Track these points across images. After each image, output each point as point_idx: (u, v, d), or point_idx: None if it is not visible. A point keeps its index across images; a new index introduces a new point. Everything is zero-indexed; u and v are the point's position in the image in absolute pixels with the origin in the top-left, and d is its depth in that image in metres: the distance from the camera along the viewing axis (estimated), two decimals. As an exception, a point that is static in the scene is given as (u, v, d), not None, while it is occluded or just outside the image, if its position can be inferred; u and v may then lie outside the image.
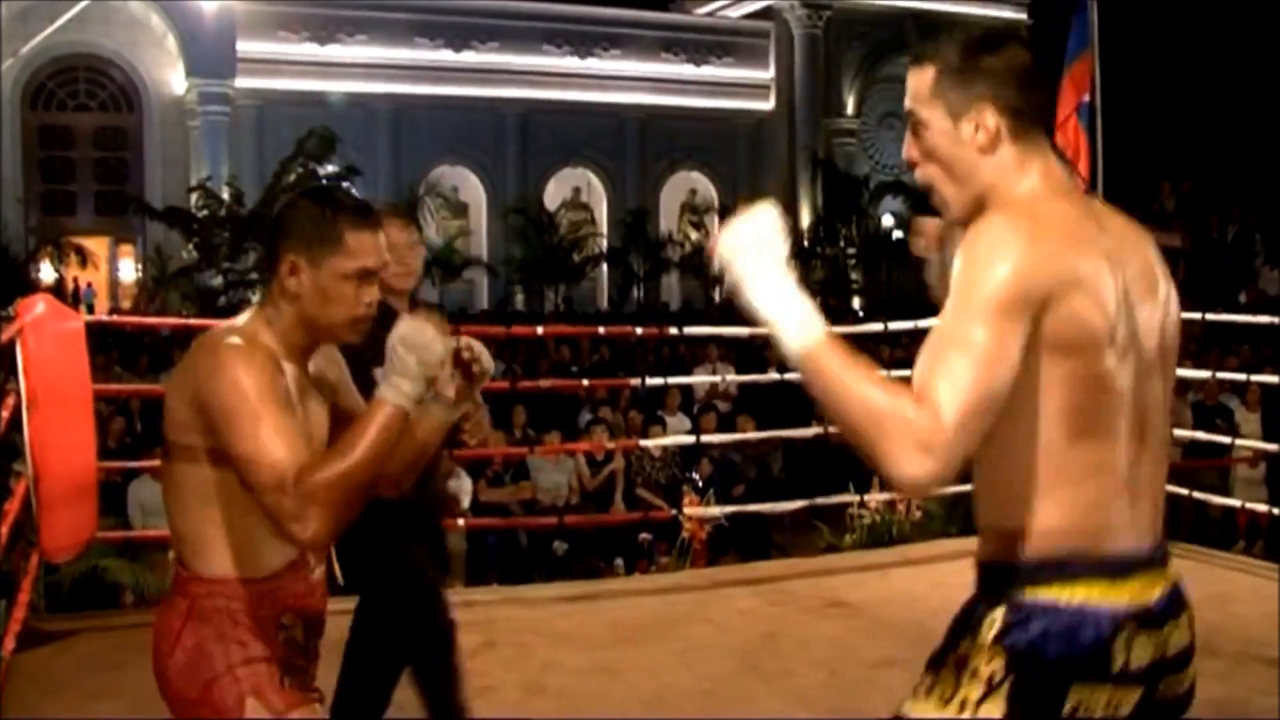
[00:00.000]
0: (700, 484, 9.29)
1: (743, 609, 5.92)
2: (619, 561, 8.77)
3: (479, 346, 2.48)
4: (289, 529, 2.19)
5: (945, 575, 6.15)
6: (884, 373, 1.86)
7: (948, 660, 1.98)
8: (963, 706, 1.93)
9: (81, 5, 27.21)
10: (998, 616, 1.92)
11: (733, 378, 11.31)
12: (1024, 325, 1.82)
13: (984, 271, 1.84)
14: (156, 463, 7.76)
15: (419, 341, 2.25)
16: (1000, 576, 1.96)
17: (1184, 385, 10.51)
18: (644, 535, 8.81)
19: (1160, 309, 1.99)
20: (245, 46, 32.63)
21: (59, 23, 22.71)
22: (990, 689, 1.91)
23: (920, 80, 2.05)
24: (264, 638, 2.39)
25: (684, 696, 4.75)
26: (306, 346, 2.44)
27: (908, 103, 2.08)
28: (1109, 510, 1.93)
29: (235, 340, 2.32)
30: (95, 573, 6.02)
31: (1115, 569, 1.92)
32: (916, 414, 1.76)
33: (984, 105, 1.99)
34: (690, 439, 8.72)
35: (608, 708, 4.60)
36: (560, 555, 8.94)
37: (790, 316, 1.93)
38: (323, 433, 2.48)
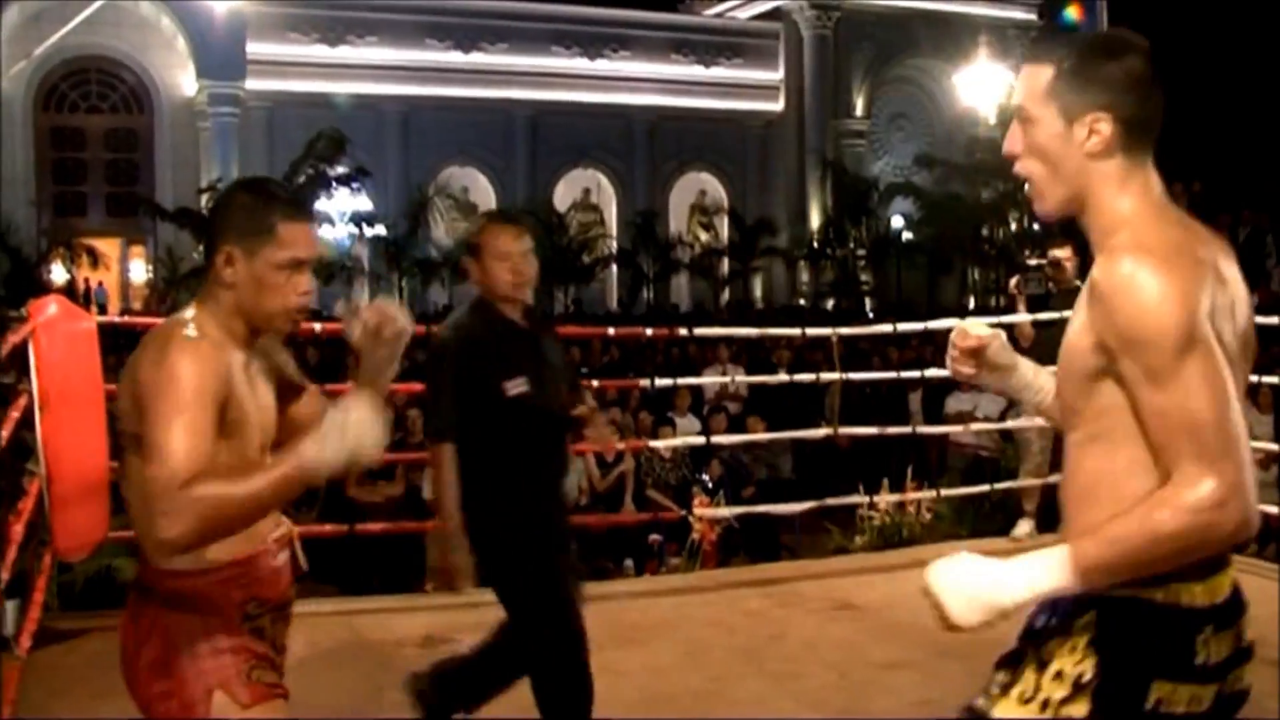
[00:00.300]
0: (710, 485, 9.27)
1: (752, 610, 5.91)
2: (629, 562, 8.76)
3: (389, 310, 2.50)
4: (156, 521, 2.19)
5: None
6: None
7: (1027, 659, 2.02)
8: (1045, 706, 1.97)
9: (93, 8, 27.27)
10: (1090, 619, 1.96)
11: (742, 379, 11.31)
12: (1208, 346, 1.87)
13: (1162, 320, 1.85)
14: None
15: (366, 431, 2.24)
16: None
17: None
18: (654, 536, 8.80)
19: (1246, 317, 2.02)
20: (255, 48, 32.70)
21: (70, 25, 22.76)
22: (1076, 690, 1.95)
23: (1035, 78, 2.05)
24: (229, 628, 2.43)
25: (693, 697, 4.75)
26: (246, 337, 2.48)
27: (1018, 98, 2.09)
28: None
29: (185, 333, 2.36)
30: (107, 572, 6.02)
31: (1199, 568, 1.95)
32: (1198, 481, 1.82)
33: (1100, 112, 1.99)
34: (700, 440, 8.71)
35: (616, 708, 4.60)
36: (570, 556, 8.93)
37: (1043, 579, 1.92)
38: (271, 416, 2.53)
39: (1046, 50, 2.07)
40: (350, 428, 2.24)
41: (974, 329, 2.36)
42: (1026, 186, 2.13)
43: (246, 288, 2.42)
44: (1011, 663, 2.04)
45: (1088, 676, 1.94)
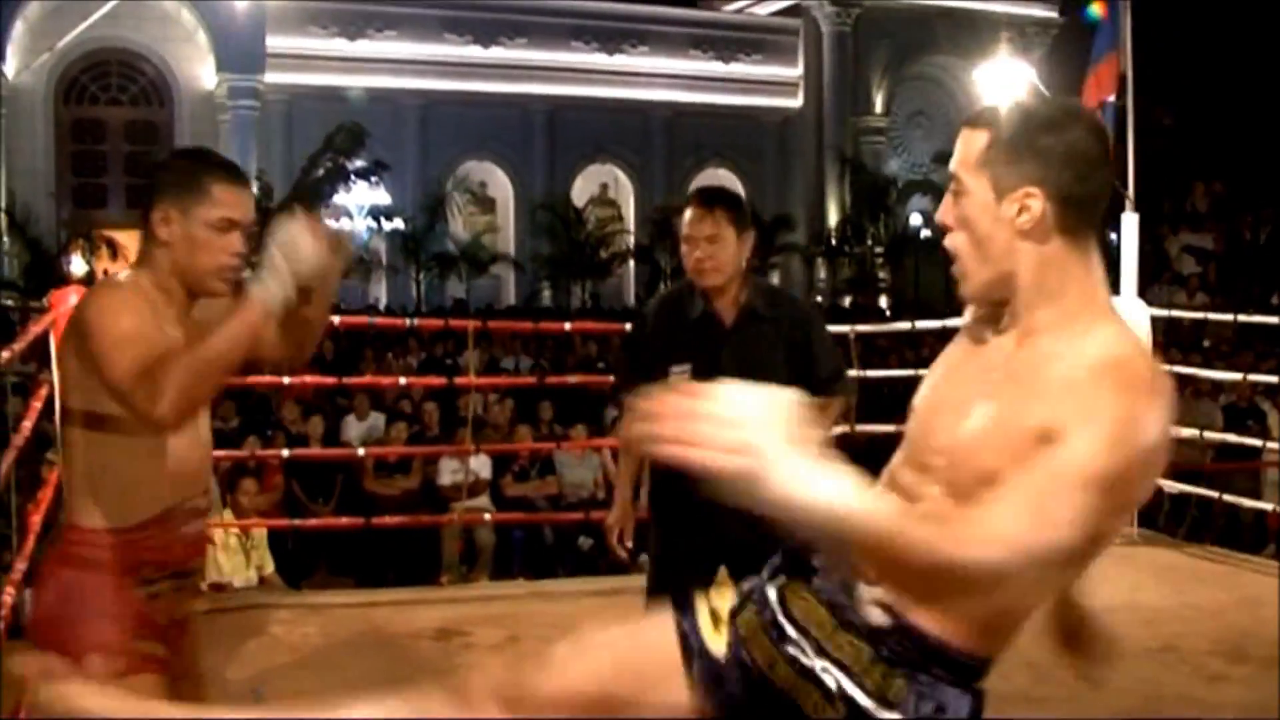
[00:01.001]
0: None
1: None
2: (644, 557, 8.76)
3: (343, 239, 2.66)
4: (143, 409, 2.34)
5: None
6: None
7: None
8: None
9: (115, 1, 27.33)
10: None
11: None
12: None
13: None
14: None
15: (294, 248, 2.43)
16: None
17: (1216, 388, 10.46)
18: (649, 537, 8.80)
19: None
20: (275, 42, 32.74)
21: (92, 19, 22.80)
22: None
23: (970, 144, 1.91)
24: (122, 592, 2.52)
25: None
26: (184, 297, 2.59)
27: (953, 165, 1.94)
28: None
29: (122, 285, 2.53)
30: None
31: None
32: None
33: (1032, 187, 1.84)
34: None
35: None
36: (585, 550, 8.94)
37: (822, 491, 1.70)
38: None
39: (986, 115, 1.93)
40: (278, 246, 2.43)
41: None
42: (954, 265, 1.96)
43: (181, 246, 2.54)
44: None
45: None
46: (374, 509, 8.18)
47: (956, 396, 1.96)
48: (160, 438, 2.50)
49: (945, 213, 1.96)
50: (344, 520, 7.49)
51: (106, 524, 2.52)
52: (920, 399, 2.07)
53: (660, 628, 2.16)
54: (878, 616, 1.93)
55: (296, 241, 2.44)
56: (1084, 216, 1.88)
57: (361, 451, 8.34)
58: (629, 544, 4.03)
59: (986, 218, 1.88)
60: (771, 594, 2.10)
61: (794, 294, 4.02)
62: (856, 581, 1.96)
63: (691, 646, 2.10)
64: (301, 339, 2.76)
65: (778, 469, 1.68)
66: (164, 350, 2.39)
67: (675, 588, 3.69)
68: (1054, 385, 1.80)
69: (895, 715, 1.90)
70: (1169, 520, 8.29)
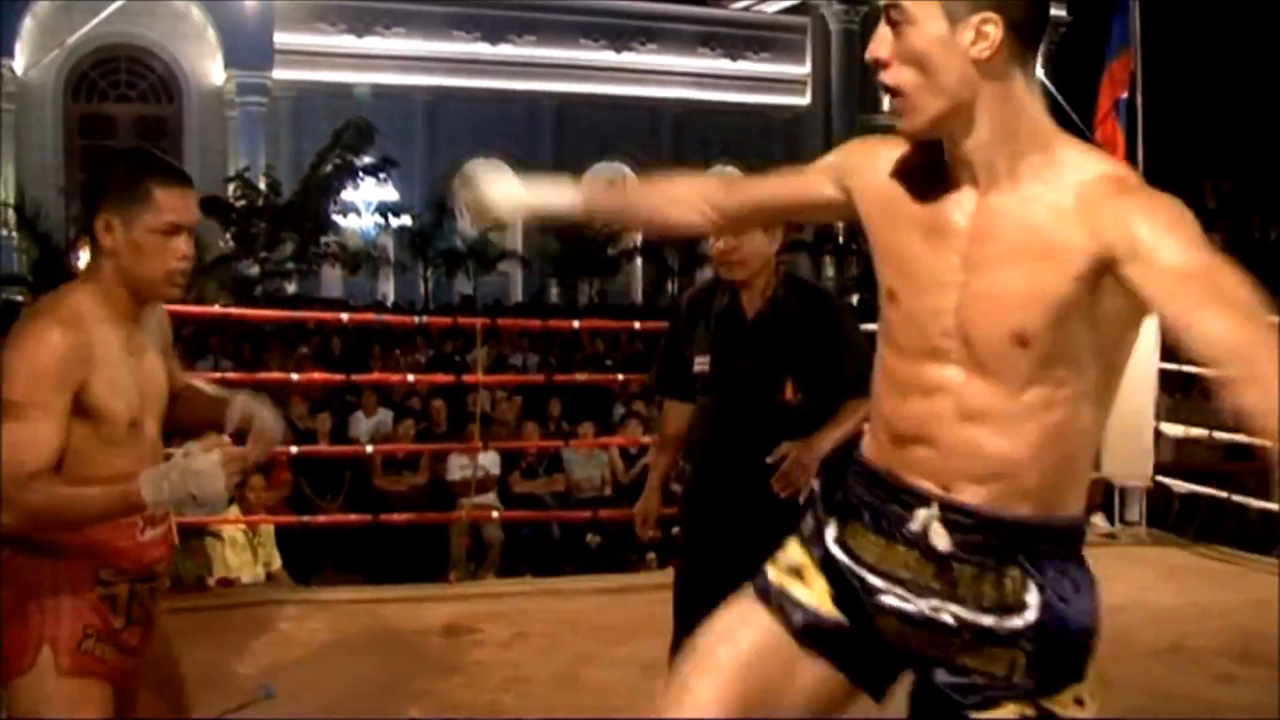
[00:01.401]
0: (734, 479, 9.26)
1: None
2: (652, 555, 8.76)
3: (258, 415, 2.69)
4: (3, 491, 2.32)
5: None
6: None
7: None
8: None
9: (122, -1, 27.38)
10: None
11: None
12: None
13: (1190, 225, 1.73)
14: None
15: (203, 486, 2.35)
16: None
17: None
18: (677, 529, 8.78)
19: None
20: (283, 38, 32.78)
21: (102, 15, 22.86)
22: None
23: None
24: (78, 589, 2.50)
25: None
26: (129, 308, 2.54)
27: None
28: None
29: (52, 314, 2.45)
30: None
31: None
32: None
33: (990, 13, 1.75)
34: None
35: (640, 700, 4.59)
36: (593, 548, 8.94)
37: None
38: (158, 385, 2.62)
39: None
40: (191, 476, 2.34)
41: None
42: (887, 101, 1.88)
43: (126, 254, 2.48)
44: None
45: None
46: (382, 506, 8.18)
47: (940, 270, 1.89)
48: (107, 448, 2.47)
49: (880, 46, 1.85)
50: (352, 517, 7.49)
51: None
52: (894, 283, 1.99)
53: (751, 621, 2.12)
54: (959, 525, 1.91)
55: (212, 479, 2.37)
56: (1033, 45, 1.80)
57: (369, 448, 8.34)
58: (654, 532, 4.12)
59: (938, 48, 1.78)
60: (836, 550, 2.06)
61: (825, 289, 3.94)
62: (917, 504, 1.94)
63: (794, 619, 2.06)
64: None
65: None
66: (58, 450, 2.38)
67: (703, 586, 3.70)
68: (1080, 215, 1.76)
69: (1030, 616, 1.88)
70: (1178, 520, 8.28)
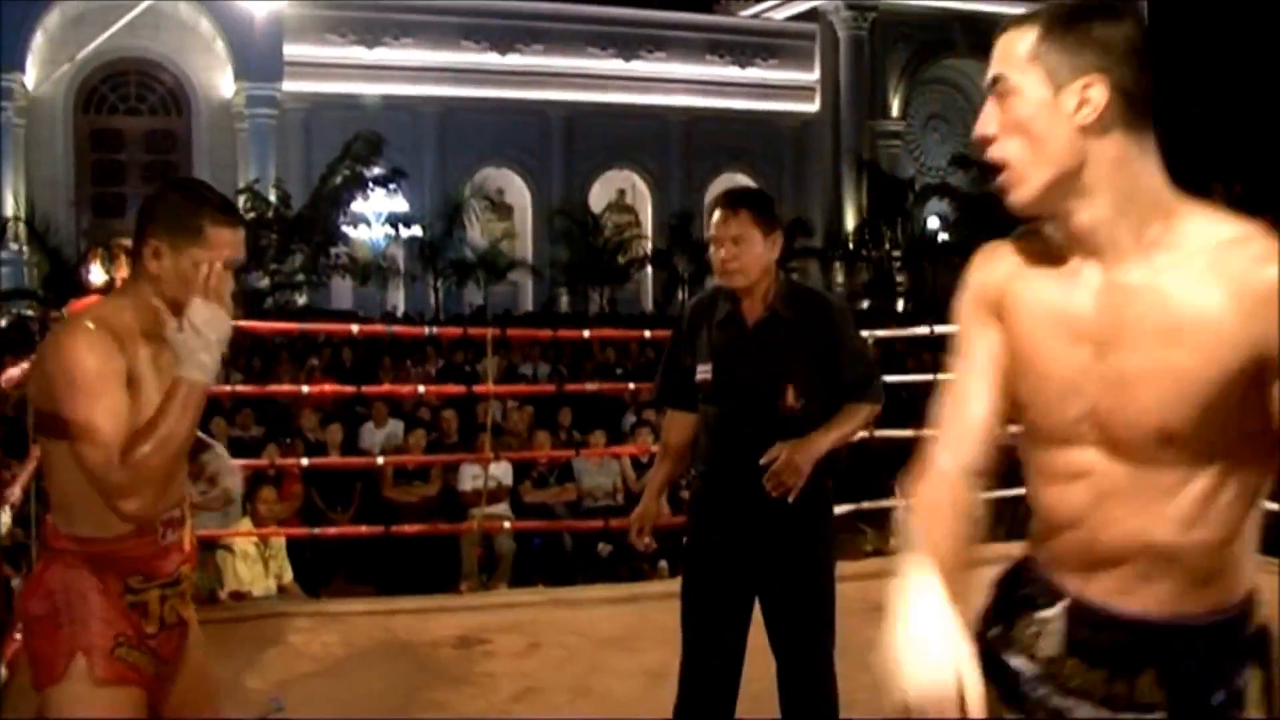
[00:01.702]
0: (745, 487, 9.25)
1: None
2: (663, 564, 8.74)
3: (223, 474, 2.82)
4: (116, 503, 2.41)
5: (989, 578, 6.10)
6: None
7: None
8: None
9: (138, 10, 27.46)
10: (1255, 680, 1.79)
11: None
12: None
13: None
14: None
15: (210, 319, 2.46)
16: (1243, 635, 1.81)
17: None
18: (688, 538, 8.77)
19: None
20: (293, 50, 32.85)
21: (113, 29, 22.92)
22: None
23: (1016, 42, 1.76)
24: (109, 598, 2.54)
25: (729, 700, 4.73)
26: (164, 320, 2.58)
27: (995, 67, 1.78)
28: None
29: (85, 323, 2.50)
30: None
31: None
32: None
33: (1093, 77, 1.70)
34: (735, 441, 8.68)
35: (654, 710, 4.58)
36: (605, 557, 8.93)
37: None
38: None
39: (1029, 14, 1.76)
40: (197, 325, 2.45)
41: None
42: (1000, 176, 1.80)
43: (170, 281, 2.54)
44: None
45: None
46: (393, 517, 8.18)
47: (1071, 371, 1.80)
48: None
49: (988, 122, 1.79)
50: (363, 528, 7.48)
51: (93, 533, 2.54)
52: (1026, 396, 1.89)
53: None
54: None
55: (211, 312, 2.48)
56: (1144, 110, 1.73)
57: (380, 460, 8.33)
58: (649, 540, 4.03)
59: (1043, 114, 1.73)
60: (1043, 691, 1.91)
61: (826, 295, 3.88)
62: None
63: None
64: None
65: None
66: (129, 435, 2.43)
67: (708, 593, 3.71)
68: (1224, 291, 1.66)
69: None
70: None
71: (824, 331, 3.64)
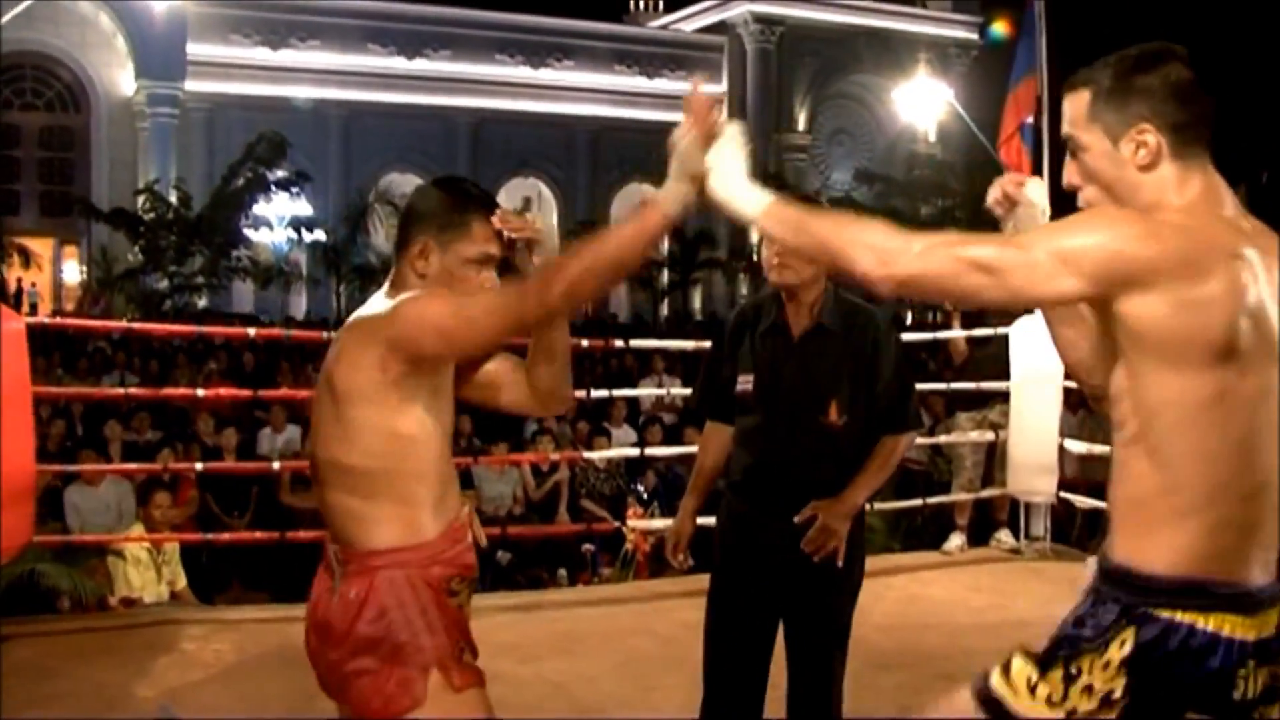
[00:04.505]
0: (645, 496, 9.28)
1: (686, 620, 5.88)
2: (562, 572, 8.74)
3: (514, 219, 2.61)
4: (533, 305, 2.34)
5: (886, 589, 6.18)
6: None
7: (1056, 664, 1.99)
8: (1070, 715, 1.96)
9: (28, 3, 26.90)
10: (1128, 636, 1.94)
11: (678, 390, 11.32)
12: (1082, 285, 1.91)
13: (1074, 227, 1.94)
14: (96, 466, 7.62)
15: (688, 157, 2.42)
16: (1135, 588, 1.96)
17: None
18: (587, 546, 8.78)
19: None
20: (196, 49, 32.42)
21: (6, 18, 22.43)
22: (1105, 705, 1.94)
23: (1076, 104, 2.07)
24: (441, 604, 2.48)
25: (626, 708, 4.75)
26: None
27: (1065, 128, 2.09)
28: (1248, 539, 1.96)
29: (399, 297, 2.46)
30: (31, 577, 5.93)
31: (1248, 602, 1.93)
32: (889, 237, 2.02)
33: (1143, 124, 2.00)
34: (635, 451, 8.71)
35: (550, 718, 4.59)
36: (504, 565, 8.90)
37: (742, 196, 2.18)
38: (452, 402, 2.66)
39: (1083, 76, 2.08)
40: (681, 164, 2.41)
41: (1030, 188, 2.31)
42: None
43: (438, 278, 2.52)
44: (1041, 663, 2.01)
45: (1117, 695, 1.93)
46: (290, 523, 8.08)
47: None
48: (437, 449, 2.51)
49: (1070, 174, 2.10)
50: (259, 534, 7.39)
51: (408, 541, 2.46)
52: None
53: None
54: None
55: (691, 150, 2.41)
56: (1195, 138, 2.02)
57: (277, 465, 8.23)
58: (684, 557, 3.92)
59: (1108, 164, 2.04)
60: None
61: (874, 310, 3.83)
62: None
63: None
64: (554, 378, 2.78)
65: None
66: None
67: (739, 602, 3.66)
68: None
69: None
70: (1081, 535, 8.42)
71: (868, 347, 3.59)
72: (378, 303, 2.53)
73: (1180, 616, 1.91)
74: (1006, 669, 2.04)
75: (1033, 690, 2.00)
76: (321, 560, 2.59)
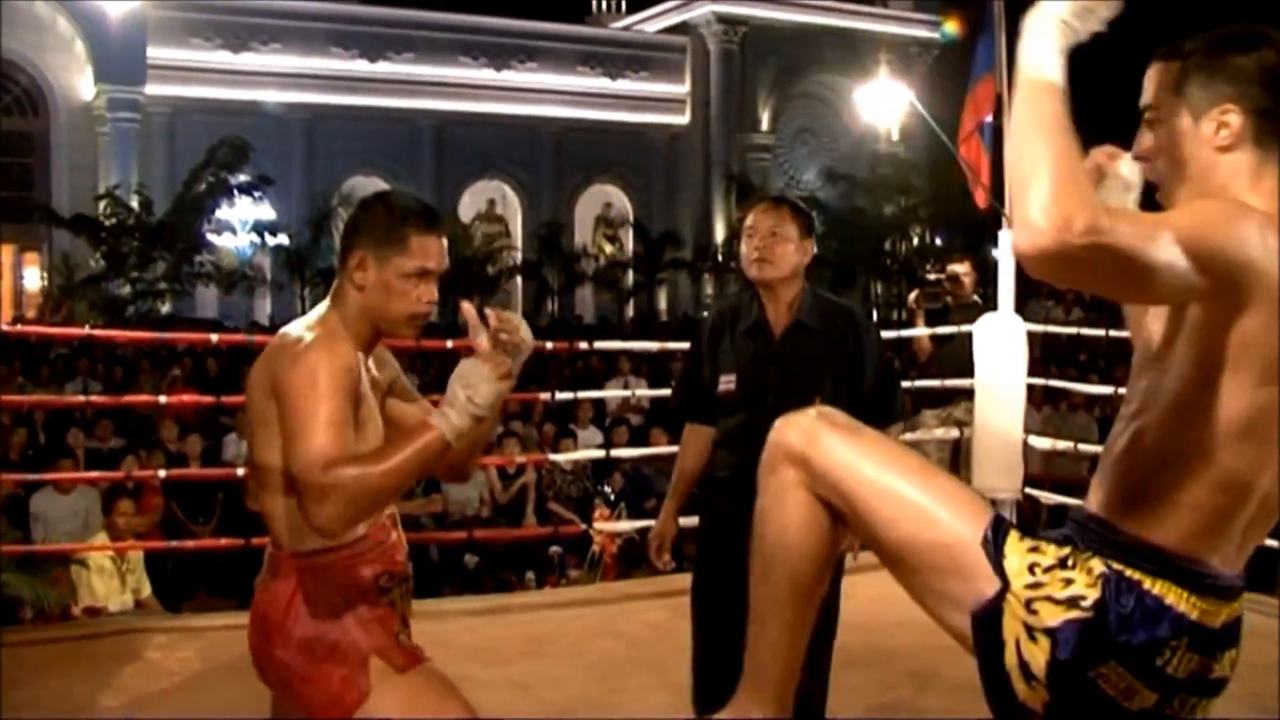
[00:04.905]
0: (612, 497, 9.29)
1: (653, 622, 5.92)
2: (529, 575, 8.75)
3: (513, 320, 2.60)
4: (307, 507, 2.30)
5: (854, 588, 6.20)
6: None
7: (1057, 544, 2.04)
8: (1036, 587, 1.98)
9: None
10: (1119, 567, 1.96)
11: (644, 392, 11.35)
12: (1198, 278, 1.77)
13: (1189, 216, 1.82)
14: (55, 475, 7.56)
15: (472, 382, 2.39)
16: (1108, 539, 1.99)
17: (1091, 401, 10.71)
18: (554, 549, 8.79)
19: None
20: (156, 53, 32.18)
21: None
22: (1067, 604, 1.96)
23: (1163, 75, 2.01)
24: (370, 600, 2.54)
25: (594, 709, 4.75)
26: (369, 340, 2.62)
27: (1146, 96, 2.03)
28: (1233, 532, 1.97)
29: (316, 334, 2.48)
30: (-8, 587, 5.90)
31: (1218, 590, 1.96)
32: (1071, 207, 1.68)
33: (1228, 104, 1.93)
34: (601, 453, 8.72)
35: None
36: (471, 568, 8.90)
37: (1042, 54, 1.82)
38: (379, 428, 2.63)
39: (1174, 47, 2.02)
40: (458, 379, 2.38)
41: (1124, 164, 2.24)
42: (1157, 193, 2.06)
43: (375, 292, 2.56)
44: (1051, 539, 2.06)
45: (1085, 603, 1.94)
46: (256, 529, 8.03)
47: None
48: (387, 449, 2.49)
49: (1141, 144, 2.06)
50: (224, 541, 7.35)
51: (328, 542, 2.49)
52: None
53: None
54: None
55: (475, 374, 2.41)
56: (1277, 128, 1.95)
57: (241, 471, 8.19)
58: (668, 559, 3.99)
59: (1185, 140, 1.97)
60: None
61: (853, 306, 3.89)
62: None
63: None
64: (461, 461, 2.76)
65: None
66: (347, 452, 2.34)
67: (725, 594, 3.69)
68: None
69: None
70: (1047, 529, 8.47)
71: (850, 343, 3.65)
72: (310, 319, 2.58)
73: (1140, 578, 1.94)
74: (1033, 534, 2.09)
75: (1033, 549, 2.03)
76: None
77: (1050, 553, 2.02)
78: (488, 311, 2.56)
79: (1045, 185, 1.69)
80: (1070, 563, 1.99)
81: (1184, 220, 1.81)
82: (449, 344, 7.21)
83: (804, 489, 2.21)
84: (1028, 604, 1.98)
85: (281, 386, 2.40)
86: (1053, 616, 1.95)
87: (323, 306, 2.61)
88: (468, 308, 2.54)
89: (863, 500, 2.13)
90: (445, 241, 2.66)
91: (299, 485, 2.33)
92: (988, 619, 2.01)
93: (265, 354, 2.52)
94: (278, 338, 2.55)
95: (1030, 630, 1.97)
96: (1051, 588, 1.97)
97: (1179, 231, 1.76)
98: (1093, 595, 1.94)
